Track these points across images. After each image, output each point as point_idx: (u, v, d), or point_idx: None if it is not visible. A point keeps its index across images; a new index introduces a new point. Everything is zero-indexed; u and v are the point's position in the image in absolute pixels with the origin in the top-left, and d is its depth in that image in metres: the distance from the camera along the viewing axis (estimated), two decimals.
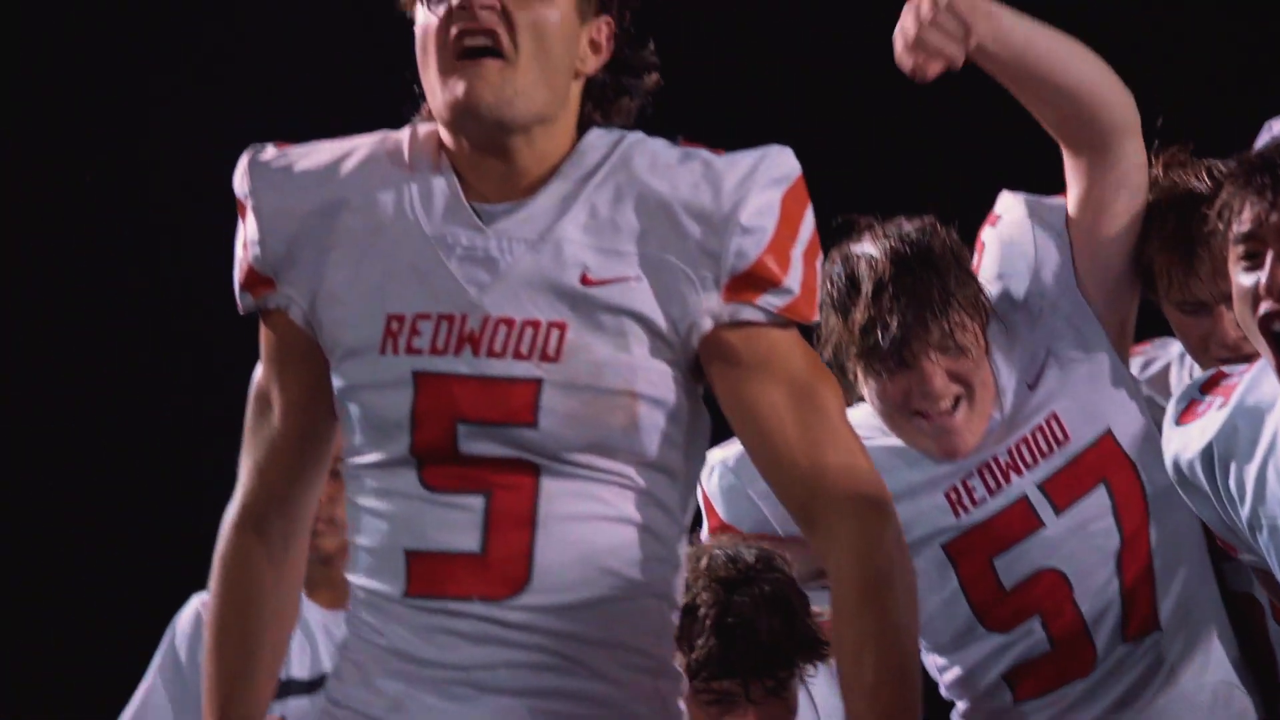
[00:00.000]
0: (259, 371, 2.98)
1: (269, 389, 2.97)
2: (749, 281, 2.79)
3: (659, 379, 2.80)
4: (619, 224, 2.80)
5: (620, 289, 2.78)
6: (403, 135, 2.93)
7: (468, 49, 2.79)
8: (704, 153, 2.84)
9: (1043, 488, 3.72)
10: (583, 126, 2.91)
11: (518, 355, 2.78)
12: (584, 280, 2.79)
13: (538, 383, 2.77)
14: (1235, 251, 3.07)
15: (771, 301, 2.80)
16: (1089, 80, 3.65)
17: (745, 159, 2.82)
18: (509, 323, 2.79)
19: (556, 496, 2.77)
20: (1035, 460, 3.72)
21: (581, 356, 2.77)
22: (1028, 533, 3.72)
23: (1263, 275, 3.01)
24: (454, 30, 2.80)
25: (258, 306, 2.93)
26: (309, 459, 2.97)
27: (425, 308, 2.80)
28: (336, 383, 2.87)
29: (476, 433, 2.77)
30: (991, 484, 3.73)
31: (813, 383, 2.81)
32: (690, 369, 2.83)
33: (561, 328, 2.78)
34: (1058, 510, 3.71)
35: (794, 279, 2.81)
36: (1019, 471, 3.72)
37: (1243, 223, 3.05)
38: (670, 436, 2.81)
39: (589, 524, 2.78)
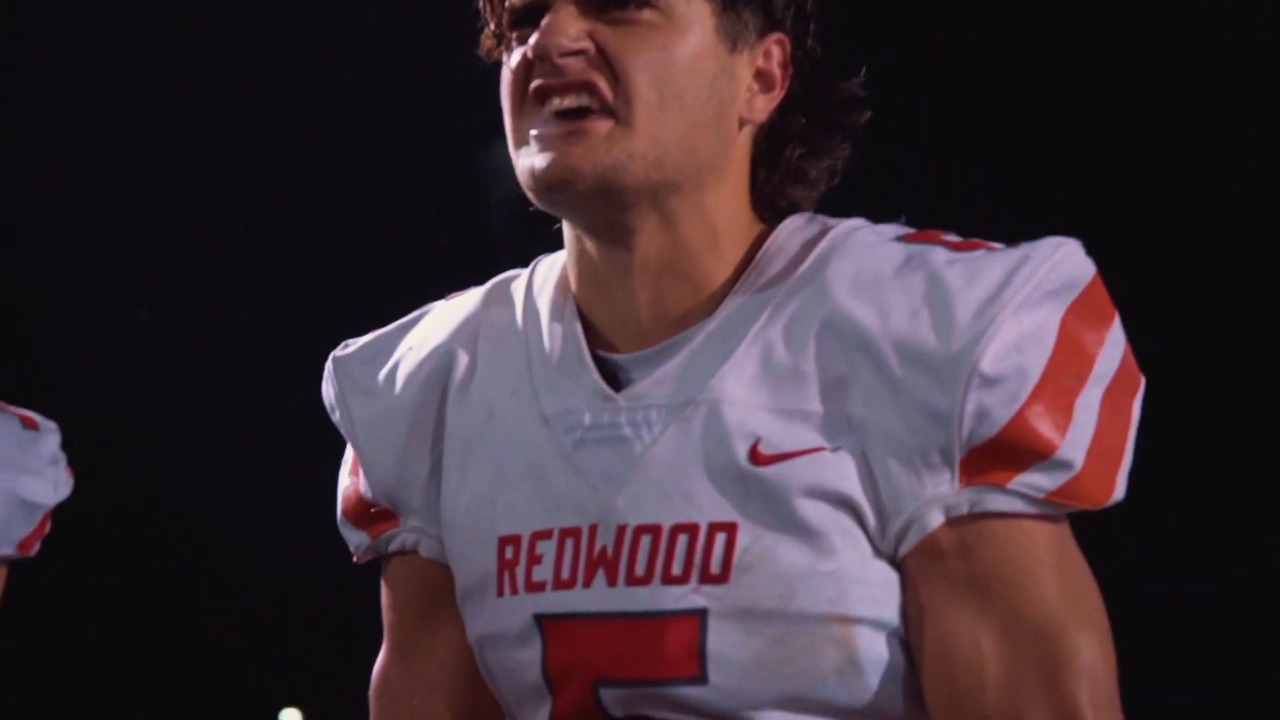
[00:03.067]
0: (382, 660, 2.11)
1: (404, 672, 2.09)
2: (998, 454, 1.82)
3: (882, 593, 1.86)
4: (803, 371, 1.86)
5: (808, 466, 1.84)
6: (520, 277, 2.06)
7: (558, 113, 1.89)
8: (937, 255, 1.86)
9: None
10: (772, 205, 1.98)
11: (669, 578, 1.87)
12: (755, 456, 1.85)
13: (700, 616, 1.86)
14: None
15: (1036, 483, 1.82)
16: None
17: (995, 265, 1.84)
18: (653, 531, 1.88)
19: None
20: None
21: (762, 570, 1.85)
22: None
23: None
24: (533, 87, 1.91)
25: (377, 551, 2.09)
26: None
27: (545, 522, 1.93)
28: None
29: (624, 696, 1.89)
30: None
31: (1061, 624, 1.82)
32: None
33: (729, 530, 1.85)
34: None
35: (1076, 445, 1.82)
36: None
37: None
38: (904, 679, 1.87)
39: None
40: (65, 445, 3.02)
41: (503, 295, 2.04)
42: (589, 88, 1.87)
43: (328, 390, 2.08)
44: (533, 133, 1.89)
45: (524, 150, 1.90)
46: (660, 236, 1.91)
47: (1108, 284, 1.91)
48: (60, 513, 3.02)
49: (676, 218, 1.91)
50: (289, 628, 4.29)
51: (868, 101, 2.01)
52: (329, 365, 2.08)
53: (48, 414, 3.03)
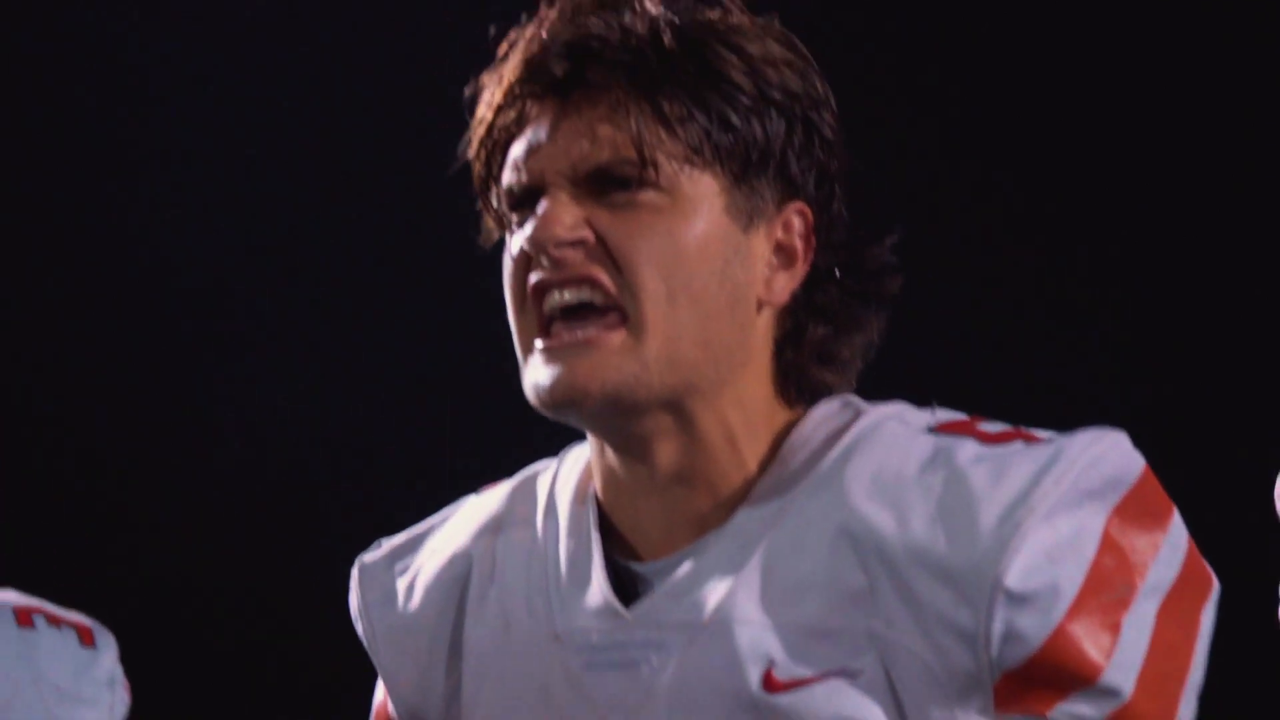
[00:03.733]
0: None
1: None
2: (1035, 679, 1.65)
3: None
4: (818, 583, 1.70)
5: (826, 693, 1.68)
6: (547, 471, 1.90)
7: (561, 310, 1.75)
8: (964, 451, 1.69)
9: None
10: (800, 388, 1.81)
11: None
12: (769, 683, 1.70)
13: None
14: None
15: (1080, 712, 1.65)
16: None
17: (1024, 463, 1.66)
18: None
19: None
20: None
21: None
22: None
23: None
24: (531, 283, 1.76)
25: None
26: None
27: None
28: None
29: None
30: None
31: None
32: None
33: None
34: None
35: (1124, 668, 1.64)
36: None
37: None
38: None
39: None
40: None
41: (528, 492, 1.89)
42: (590, 281, 1.73)
43: (353, 599, 1.94)
44: (538, 344, 1.75)
45: (530, 361, 1.76)
46: (677, 440, 1.76)
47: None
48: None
49: (694, 419, 1.75)
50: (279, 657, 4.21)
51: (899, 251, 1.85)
52: (355, 571, 1.95)
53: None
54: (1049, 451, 1.67)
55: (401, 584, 1.91)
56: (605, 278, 1.72)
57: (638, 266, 1.72)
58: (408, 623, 1.89)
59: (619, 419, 1.75)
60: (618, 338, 1.72)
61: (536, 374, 1.74)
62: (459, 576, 1.88)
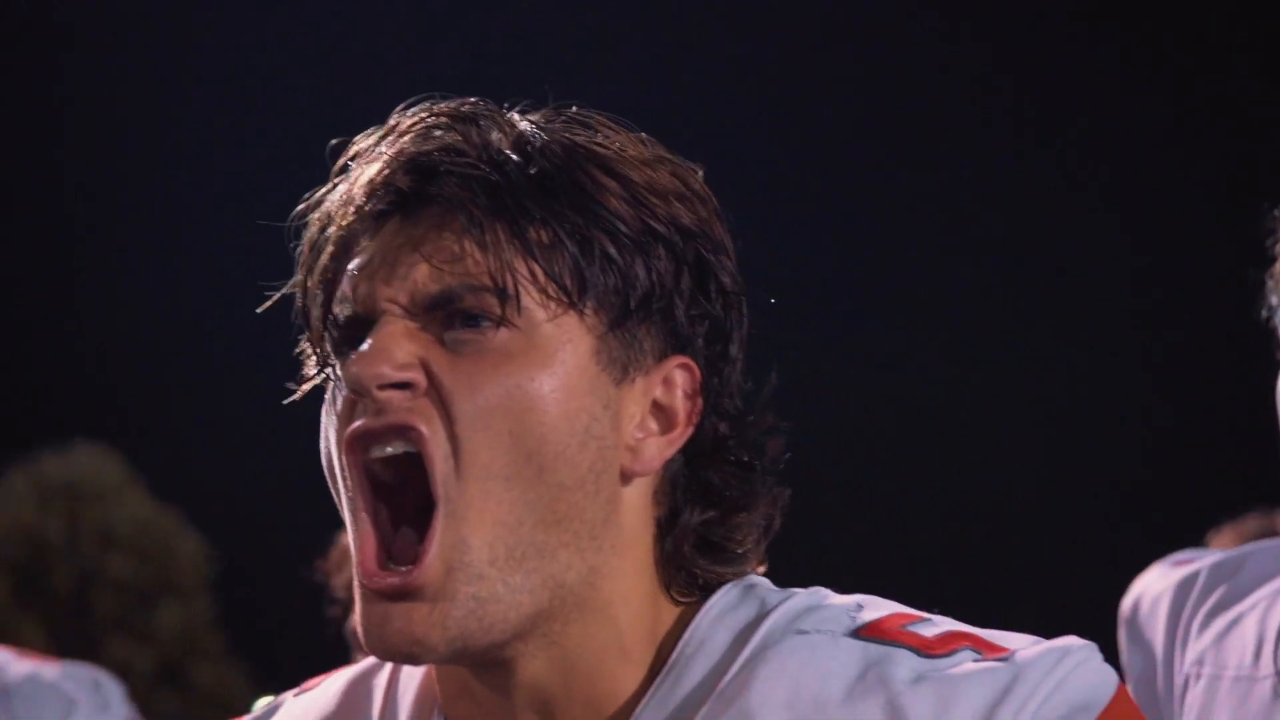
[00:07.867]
0: None
1: None
2: None
3: None
4: None
5: None
6: (383, 676, 1.56)
7: (382, 464, 1.43)
8: (900, 669, 1.42)
9: None
10: (684, 580, 1.51)
11: None
12: None
13: None
14: None
15: None
16: None
17: (974, 690, 1.41)
18: None
19: None
20: None
21: None
22: None
23: None
24: (351, 432, 1.44)
25: None
26: None
27: None
28: None
29: None
30: None
31: None
32: None
33: None
34: None
35: None
36: None
37: None
38: None
39: None
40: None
41: (362, 696, 1.56)
42: (408, 433, 1.41)
43: None
44: (361, 579, 1.44)
45: (358, 591, 1.44)
46: (544, 656, 1.46)
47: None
48: None
49: (563, 628, 1.45)
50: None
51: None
52: None
53: None
54: (1005, 675, 1.41)
55: None
56: (426, 435, 1.41)
57: (470, 424, 1.41)
58: None
59: (469, 661, 1.46)
60: (439, 564, 1.41)
61: (365, 617, 1.43)
62: None
